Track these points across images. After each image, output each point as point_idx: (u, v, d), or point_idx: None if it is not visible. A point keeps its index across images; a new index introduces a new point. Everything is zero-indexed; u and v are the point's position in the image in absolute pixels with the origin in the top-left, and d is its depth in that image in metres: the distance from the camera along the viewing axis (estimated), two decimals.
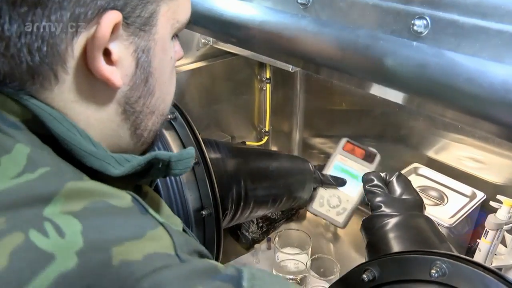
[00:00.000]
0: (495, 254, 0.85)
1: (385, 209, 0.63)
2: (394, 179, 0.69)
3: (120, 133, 0.42)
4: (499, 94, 0.43)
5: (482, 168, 0.92)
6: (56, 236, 0.30)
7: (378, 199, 0.65)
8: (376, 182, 0.68)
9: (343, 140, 0.87)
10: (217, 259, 0.66)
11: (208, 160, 0.63)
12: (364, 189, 0.69)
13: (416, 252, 0.48)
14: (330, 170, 0.85)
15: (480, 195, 0.91)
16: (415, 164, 1.00)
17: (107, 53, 0.38)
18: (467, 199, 0.91)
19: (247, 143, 1.22)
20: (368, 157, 0.84)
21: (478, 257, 0.84)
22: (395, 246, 0.57)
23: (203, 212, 0.62)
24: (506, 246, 0.86)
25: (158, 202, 0.46)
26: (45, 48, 0.36)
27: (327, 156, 0.95)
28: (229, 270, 0.37)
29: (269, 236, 1.08)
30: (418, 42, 0.49)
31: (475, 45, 0.46)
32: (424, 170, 0.99)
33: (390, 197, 0.65)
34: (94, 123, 0.40)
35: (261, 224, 1.09)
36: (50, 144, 0.37)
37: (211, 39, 1.04)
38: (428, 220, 0.63)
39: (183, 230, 0.48)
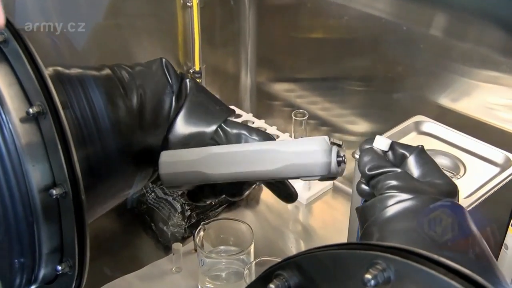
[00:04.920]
0: None
1: (402, 194, 0.55)
2: (413, 156, 0.59)
3: None
4: None
5: None
6: None
7: (389, 180, 0.57)
8: (375, 157, 0.59)
9: None
10: (81, 272, 0.55)
11: (60, 108, 0.53)
12: (360, 170, 0.60)
13: (346, 245, 0.41)
14: None
15: None
16: (418, 117, 0.86)
17: None
18: (498, 169, 0.78)
19: None
20: None
21: (504, 258, 0.75)
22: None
23: (54, 192, 0.53)
24: None
25: None
26: None
27: (295, 109, 0.94)
28: None
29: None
30: None
31: None
32: (430, 125, 0.86)
33: (409, 176, 0.57)
34: None
35: (188, 213, 0.91)
36: None
37: None
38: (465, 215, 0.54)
39: None
